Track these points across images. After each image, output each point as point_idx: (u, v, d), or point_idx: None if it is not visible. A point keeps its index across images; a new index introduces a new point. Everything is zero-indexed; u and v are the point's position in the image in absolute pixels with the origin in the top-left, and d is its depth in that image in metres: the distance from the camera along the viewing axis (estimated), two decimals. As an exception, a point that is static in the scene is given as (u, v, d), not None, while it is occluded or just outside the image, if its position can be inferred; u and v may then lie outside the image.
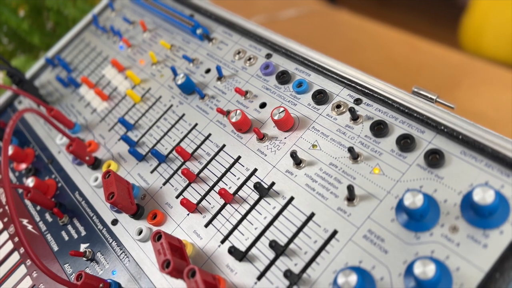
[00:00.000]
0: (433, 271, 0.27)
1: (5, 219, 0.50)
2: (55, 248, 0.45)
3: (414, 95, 0.38)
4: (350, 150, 0.35)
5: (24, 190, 0.48)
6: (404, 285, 0.29)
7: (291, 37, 0.47)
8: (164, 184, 0.44)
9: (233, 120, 0.41)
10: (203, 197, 0.41)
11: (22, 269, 0.45)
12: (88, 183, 0.48)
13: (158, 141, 0.47)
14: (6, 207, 0.42)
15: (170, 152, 0.46)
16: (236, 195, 0.39)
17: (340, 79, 0.41)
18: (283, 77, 0.44)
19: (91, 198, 0.47)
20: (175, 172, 0.44)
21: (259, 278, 0.34)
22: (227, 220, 0.38)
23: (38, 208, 0.49)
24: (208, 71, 0.50)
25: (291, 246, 0.34)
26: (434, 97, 0.39)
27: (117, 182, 0.41)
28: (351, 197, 0.34)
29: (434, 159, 0.33)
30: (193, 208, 0.40)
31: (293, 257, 0.34)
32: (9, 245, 0.48)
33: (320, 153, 0.38)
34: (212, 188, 0.41)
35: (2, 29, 0.85)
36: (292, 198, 0.36)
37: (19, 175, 0.55)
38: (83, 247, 0.43)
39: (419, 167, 0.33)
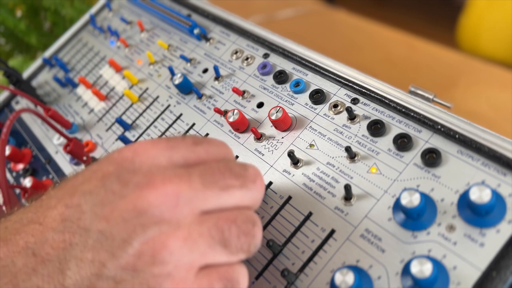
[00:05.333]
0: (430, 270, 0.27)
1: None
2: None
3: (411, 94, 0.39)
4: (347, 149, 0.35)
5: (21, 190, 0.48)
6: (401, 284, 0.29)
7: (288, 37, 0.47)
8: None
9: (231, 120, 0.41)
10: (201, 197, 0.40)
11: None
12: (85, 183, 0.48)
13: (156, 141, 0.47)
14: (3, 208, 0.42)
15: (168, 152, 0.45)
16: (234, 194, 0.39)
17: (338, 78, 0.41)
18: (281, 77, 0.44)
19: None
20: (173, 172, 0.44)
21: (256, 277, 0.34)
22: (225, 219, 0.38)
23: (36, 208, 0.49)
24: (205, 71, 0.50)
25: (289, 245, 0.34)
26: (431, 97, 0.39)
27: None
28: (348, 197, 0.34)
29: (431, 158, 0.33)
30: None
31: (290, 256, 0.34)
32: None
33: (317, 152, 0.38)
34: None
35: (-1, 29, 0.85)
36: (289, 198, 0.36)
37: (16, 176, 0.54)
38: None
39: (416, 166, 0.33)
